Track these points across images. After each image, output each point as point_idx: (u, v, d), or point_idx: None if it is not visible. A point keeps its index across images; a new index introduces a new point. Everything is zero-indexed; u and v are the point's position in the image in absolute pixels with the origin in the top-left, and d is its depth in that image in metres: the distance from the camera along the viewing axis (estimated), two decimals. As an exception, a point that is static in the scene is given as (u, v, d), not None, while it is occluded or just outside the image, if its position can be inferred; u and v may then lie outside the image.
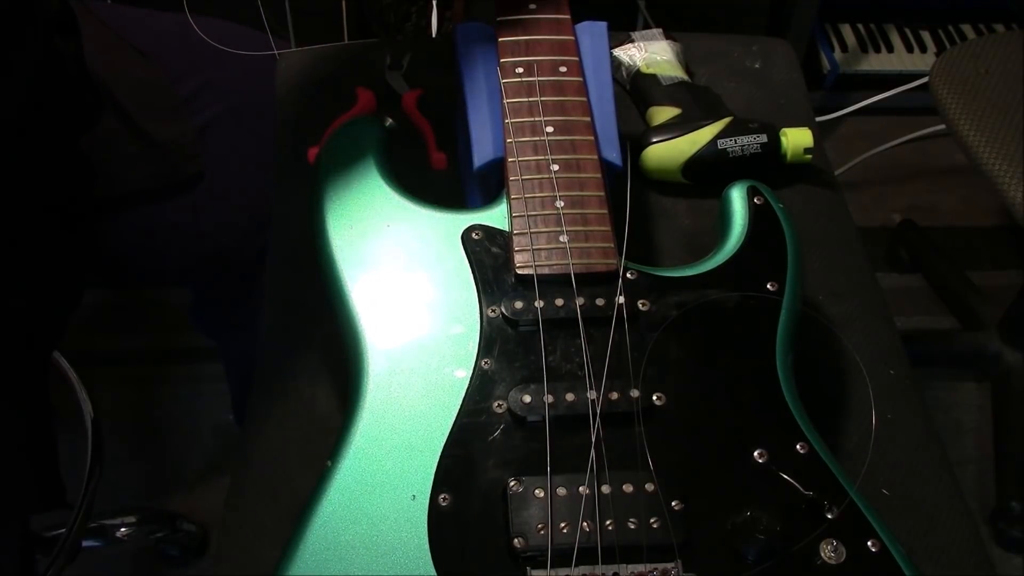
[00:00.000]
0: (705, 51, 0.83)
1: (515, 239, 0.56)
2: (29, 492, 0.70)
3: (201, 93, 0.86)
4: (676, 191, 0.73)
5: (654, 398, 0.52)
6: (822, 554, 0.47)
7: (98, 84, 0.79)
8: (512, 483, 0.49)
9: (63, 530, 0.91)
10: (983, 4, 1.69)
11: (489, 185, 0.63)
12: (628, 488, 0.48)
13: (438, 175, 0.73)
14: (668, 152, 0.72)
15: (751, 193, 0.61)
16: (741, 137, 0.71)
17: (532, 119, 0.61)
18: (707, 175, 0.71)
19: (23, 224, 0.68)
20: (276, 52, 0.83)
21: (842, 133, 1.65)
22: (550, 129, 0.61)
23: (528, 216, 0.57)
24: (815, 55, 1.66)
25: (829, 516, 0.48)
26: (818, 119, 0.80)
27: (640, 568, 0.46)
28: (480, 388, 0.52)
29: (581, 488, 0.48)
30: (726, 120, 0.72)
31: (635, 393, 0.51)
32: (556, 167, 0.59)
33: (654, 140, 0.72)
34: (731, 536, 0.48)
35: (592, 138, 0.61)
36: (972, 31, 1.70)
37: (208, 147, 0.86)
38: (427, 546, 0.47)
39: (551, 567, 0.46)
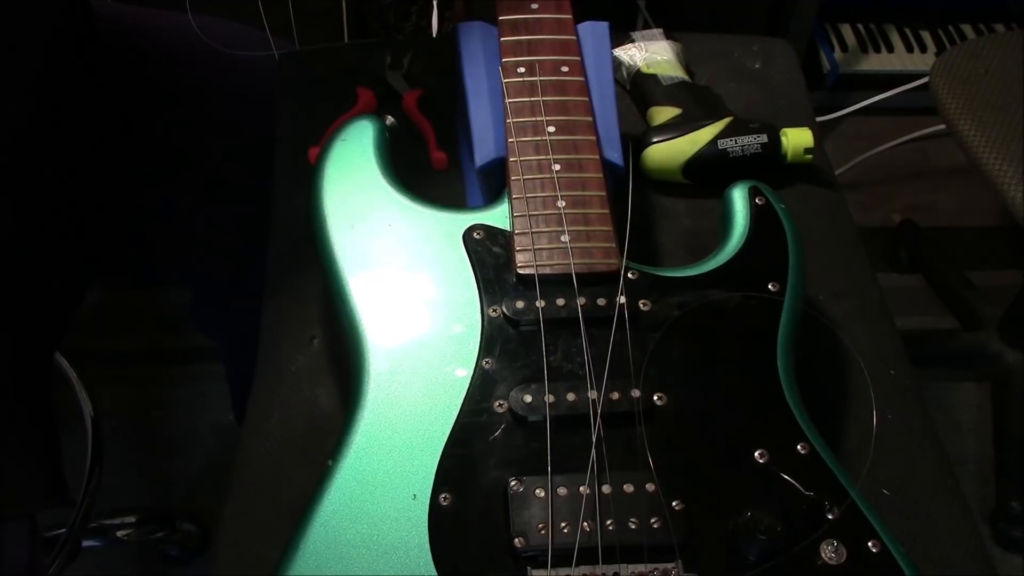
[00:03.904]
0: (705, 51, 0.83)
1: (516, 239, 0.56)
2: (35, 487, 0.70)
3: (200, 90, 0.86)
4: (676, 191, 0.73)
5: (655, 398, 0.52)
6: (823, 554, 0.47)
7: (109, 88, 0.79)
8: (513, 483, 0.49)
9: (63, 530, 0.91)
10: (983, 4, 1.69)
11: (490, 185, 0.63)
12: (629, 488, 0.48)
13: (439, 175, 0.73)
14: (668, 152, 0.72)
15: (752, 193, 0.61)
16: (741, 137, 0.71)
17: (534, 119, 0.61)
18: (707, 175, 0.71)
19: (27, 222, 0.69)
20: (276, 52, 0.83)
21: (842, 133, 1.65)
22: (552, 129, 0.61)
23: (529, 216, 0.57)
24: (815, 55, 1.66)
25: (830, 516, 0.48)
26: (818, 119, 0.80)
27: (641, 568, 0.46)
28: (481, 388, 0.52)
29: (582, 488, 0.48)
30: (726, 120, 0.72)
31: (636, 393, 0.51)
32: (558, 167, 0.59)
33: (654, 140, 0.72)
34: (732, 536, 0.48)
35: (594, 138, 0.61)
36: (972, 31, 1.70)
37: (207, 144, 0.86)
38: (428, 545, 0.47)
39: (552, 567, 0.46)
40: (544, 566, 0.46)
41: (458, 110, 0.69)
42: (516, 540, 0.47)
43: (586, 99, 0.63)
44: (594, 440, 0.50)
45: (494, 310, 0.54)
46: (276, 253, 0.70)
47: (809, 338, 0.58)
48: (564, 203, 0.58)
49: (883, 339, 0.66)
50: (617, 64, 0.79)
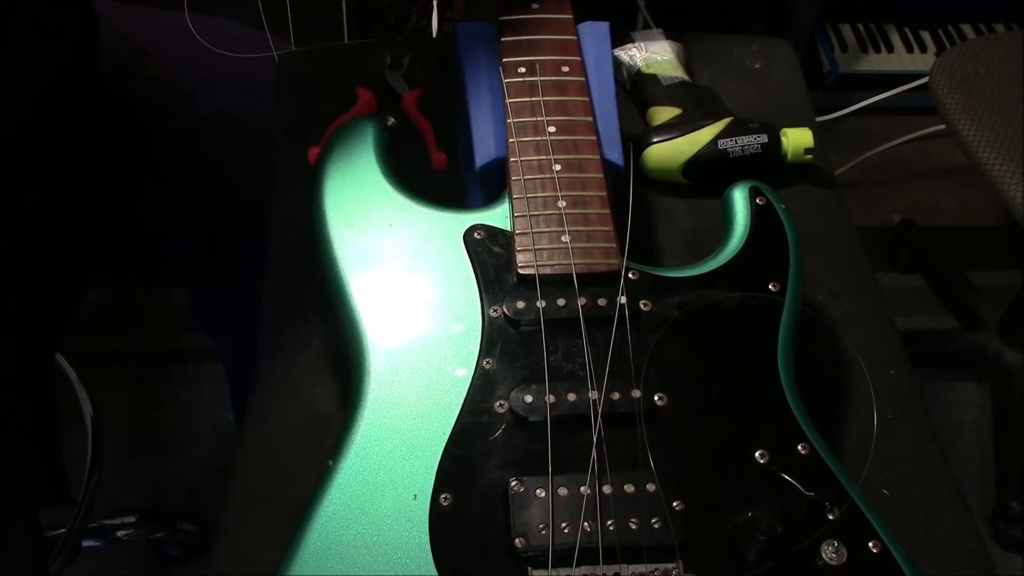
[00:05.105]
0: (705, 51, 0.83)
1: (517, 239, 0.56)
2: (38, 485, 0.70)
3: (200, 90, 0.86)
4: (676, 191, 0.73)
5: (655, 398, 0.52)
6: (823, 555, 0.47)
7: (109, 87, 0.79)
8: (513, 483, 0.49)
9: (63, 530, 0.91)
10: (983, 4, 1.69)
11: (491, 185, 0.63)
12: (629, 488, 0.48)
13: (439, 175, 0.73)
14: (668, 152, 0.72)
15: (753, 193, 0.61)
16: (741, 137, 0.71)
17: (534, 119, 0.61)
18: (707, 175, 0.71)
19: (28, 223, 0.69)
20: (275, 53, 0.83)
21: (842, 133, 1.65)
22: (552, 129, 0.61)
23: (530, 216, 0.57)
24: (815, 55, 1.66)
25: (830, 517, 0.48)
26: (818, 119, 0.80)
27: (641, 568, 0.46)
28: (481, 388, 0.52)
29: (582, 488, 0.48)
30: (726, 120, 0.72)
31: (636, 393, 0.51)
32: (558, 167, 0.59)
33: (654, 140, 0.72)
34: (732, 537, 0.48)
35: (594, 138, 0.61)
36: (972, 31, 1.70)
37: (206, 144, 0.86)
38: (428, 546, 0.47)
39: (552, 567, 0.46)
40: (545, 566, 0.46)
41: (458, 110, 0.69)
42: (517, 540, 0.47)
43: (586, 99, 0.63)
44: (595, 440, 0.50)
45: (494, 310, 0.54)
46: (276, 253, 0.70)
47: (809, 338, 0.58)
48: (564, 203, 0.58)
49: (883, 339, 0.66)
50: (617, 64, 0.79)
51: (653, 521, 0.48)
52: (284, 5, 0.88)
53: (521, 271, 0.55)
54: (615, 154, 0.62)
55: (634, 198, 0.62)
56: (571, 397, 0.51)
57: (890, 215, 1.62)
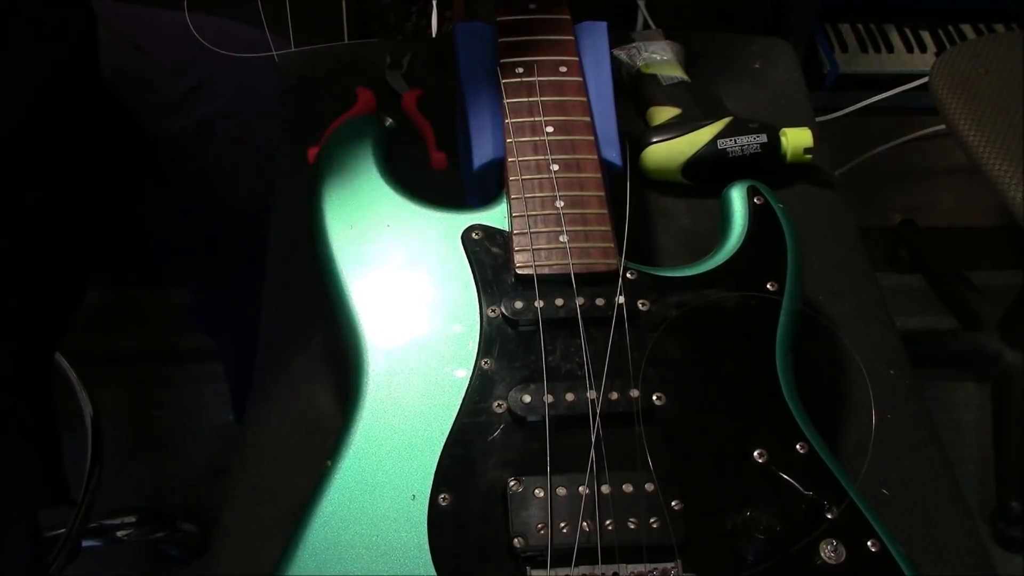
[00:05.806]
0: (705, 51, 0.83)
1: (515, 239, 0.57)
2: (38, 486, 0.70)
3: (199, 90, 0.86)
4: (676, 191, 0.73)
5: (654, 398, 0.52)
6: (822, 554, 0.47)
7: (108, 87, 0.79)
8: (512, 483, 0.49)
9: (63, 530, 0.91)
10: (983, 4, 1.69)
11: (489, 185, 0.63)
12: (628, 488, 0.48)
13: (438, 175, 0.73)
14: (668, 152, 0.72)
15: (751, 193, 0.61)
16: (741, 137, 0.71)
17: (532, 119, 0.61)
18: (707, 175, 0.71)
19: (28, 223, 0.69)
20: (275, 53, 0.83)
21: (842, 133, 1.65)
22: (550, 129, 0.61)
23: (528, 216, 0.57)
24: (815, 55, 1.65)
25: (829, 516, 0.48)
26: (818, 119, 0.80)
27: (640, 568, 0.46)
28: (480, 388, 0.52)
29: (581, 488, 0.48)
30: (726, 120, 0.72)
31: (635, 393, 0.51)
32: (556, 167, 0.59)
33: (654, 140, 0.72)
34: (731, 536, 0.48)
35: (592, 138, 0.61)
36: (972, 31, 1.70)
37: (206, 144, 0.86)
38: (427, 546, 0.47)
39: (551, 567, 0.46)
40: (543, 566, 0.46)
41: (457, 110, 0.69)
42: (515, 540, 0.47)
43: (584, 99, 0.63)
44: (593, 440, 0.50)
45: (493, 310, 0.54)
46: (276, 253, 0.70)
47: (809, 338, 0.58)
48: (562, 203, 0.58)
49: (883, 339, 0.66)
50: (617, 64, 0.79)
51: (652, 521, 0.48)
52: (284, 5, 0.88)
53: (519, 271, 0.55)
54: (613, 154, 0.62)
55: (633, 198, 0.62)
56: (569, 397, 0.51)
57: (890, 215, 1.61)
